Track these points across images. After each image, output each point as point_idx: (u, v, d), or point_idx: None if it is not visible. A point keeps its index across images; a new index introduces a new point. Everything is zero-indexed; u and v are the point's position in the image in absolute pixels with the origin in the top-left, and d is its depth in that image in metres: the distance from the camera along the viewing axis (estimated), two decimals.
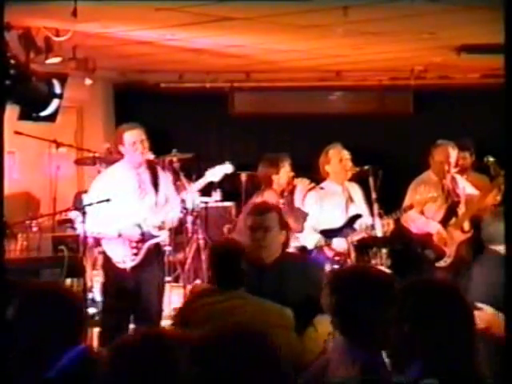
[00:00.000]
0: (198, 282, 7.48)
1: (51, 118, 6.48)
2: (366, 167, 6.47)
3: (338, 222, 6.41)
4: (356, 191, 6.61)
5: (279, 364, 2.11)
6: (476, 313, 2.71)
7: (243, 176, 7.92)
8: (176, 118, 9.75)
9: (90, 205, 5.75)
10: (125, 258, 5.78)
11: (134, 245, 5.80)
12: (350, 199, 6.54)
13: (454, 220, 6.69)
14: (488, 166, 6.86)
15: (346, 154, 6.52)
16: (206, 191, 6.98)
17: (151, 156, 5.90)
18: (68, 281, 6.30)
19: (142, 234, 5.81)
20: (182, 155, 7.45)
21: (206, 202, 7.93)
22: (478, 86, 9.01)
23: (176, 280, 7.66)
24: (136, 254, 5.79)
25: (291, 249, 6.54)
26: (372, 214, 6.37)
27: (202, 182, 6.21)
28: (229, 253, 4.05)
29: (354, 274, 3.18)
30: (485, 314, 3.88)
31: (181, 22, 6.01)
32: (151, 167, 5.97)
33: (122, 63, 8.37)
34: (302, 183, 6.35)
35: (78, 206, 6.16)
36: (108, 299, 5.96)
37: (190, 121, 9.82)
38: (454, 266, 6.52)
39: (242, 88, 9.68)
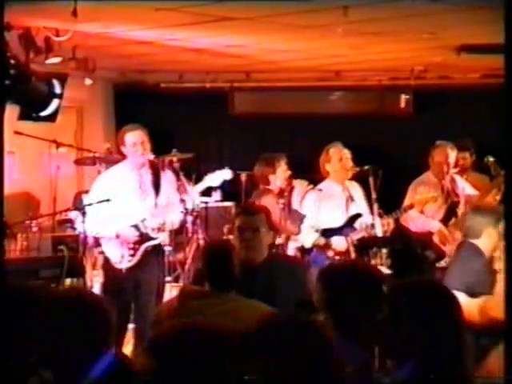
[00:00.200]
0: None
1: (51, 118, 6.48)
2: (366, 167, 6.47)
3: (338, 221, 6.41)
4: (356, 190, 6.61)
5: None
6: None
7: (243, 176, 7.92)
8: (176, 118, 9.75)
9: (89, 205, 5.76)
10: (122, 259, 5.79)
11: (132, 246, 5.80)
12: (351, 198, 6.54)
13: (453, 220, 6.69)
14: (488, 165, 6.87)
15: (347, 153, 6.53)
16: (206, 191, 6.97)
17: (151, 157, 5.90)
18: (68, 281, 6.30)
19: (140, 235, 5.81)
20: (182, 155, 7.44)
21: (206, 202, 7.92)
22: (478, 86, 9.01)
23: (176, 280, 7.65)
24: (133, 255, 5.80)
25: (291, 249, 6.56)
26: (372, 214, 6.38)
27: (200, 187, 6.22)
28: (224, 254, 4.00)
29: (346, 269, 3.20)
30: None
31: (181, 22, 6.01)
32: (154, 168, 5.98)
33: (122, 63, 8.37)
34: (300, 185, 6.36)
35: (78, 206, 6.17)
36: (108, 299, 5.96)
37: (190, 121, 9.81)
38: None
39: (242, 88, 9.67)
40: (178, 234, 7.36)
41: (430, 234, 6.75)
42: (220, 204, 8.32)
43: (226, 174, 6.17)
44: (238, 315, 3.67)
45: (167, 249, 6.08)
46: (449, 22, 6.07)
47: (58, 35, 5.88)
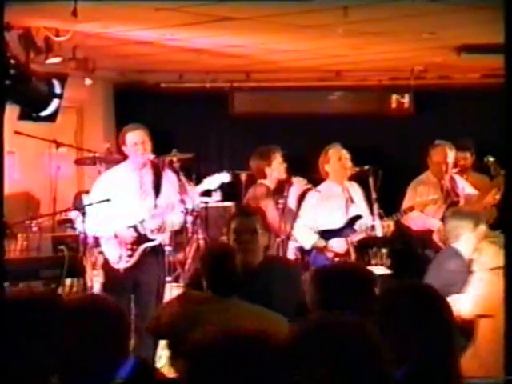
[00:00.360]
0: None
1: (51, 117, 6.47)
2: (366, 167, 6.48)
3: (338, 222, 6.41)
4: (356, 190, 6.61)
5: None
6: None
7: (243, 176, 7.92)
8: (176, 118, 9.74)
9: (89, 205, 5.76)
10: (120, 259, 5.79)
11: (130, 246, 5.80)
12: (351, 199, 6.54)
13: None
14: (488, 165, 6.88)
15: (345, 153, 6.54)
16: (206, 191, 6.97)
17: (151, 156, 5.90)
18: (68, 281, 6.31)
19: (138, 236, 5.81)
20: (182, 155, 7.45)
21: (206, 202, 7.92)
22: (478, 86, 9.01)
23: (176, 280, 7.65)
24: (131, 256, 5.80)
25: (290, 250, 6.56)
26: (372, 214, 6.38)
27: (199, 189, 6.23)
28: (225, 258, 3.92)
29: (338, 271, 3.20)
30: None
31: (181, 22, 6.01)
32: (155, 169, 5.99)
33: (122, 63, 8.37)
34: (298, 182, 6.36)
35: (78, 206, 6.17)
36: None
37: (190, 121, 9.81)
38: None
39: (242, 88, 9.67)
40: (178, 234, 7.36)
41: (431, 232, 6.76)
42: (220, 204, 8.32)
43: (224, 177, 6.18)
44: (242, 321, 3.62)
45: (167, 249, 6.08)
46: (449, 22, 6.07)
47: (58, 35, 5.88)
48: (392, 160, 8.83)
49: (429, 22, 6.05)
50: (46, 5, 5.23)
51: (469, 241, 5.10)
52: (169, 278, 6.48)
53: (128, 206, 5.82)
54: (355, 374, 1.97)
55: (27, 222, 6.63)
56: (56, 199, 7.73)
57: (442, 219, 6.71)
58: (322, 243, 6.34)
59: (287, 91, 9.73)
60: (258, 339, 2.04)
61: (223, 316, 3.66)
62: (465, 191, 6.90)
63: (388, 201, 6.58)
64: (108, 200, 5.68)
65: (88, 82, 7.75)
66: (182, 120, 9.79)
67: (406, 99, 9.49)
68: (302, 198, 6.46)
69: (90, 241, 6.17)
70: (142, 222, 5.80)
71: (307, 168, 6.69)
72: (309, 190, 6.40)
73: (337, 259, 6.25)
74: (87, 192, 6.42)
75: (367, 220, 6.41)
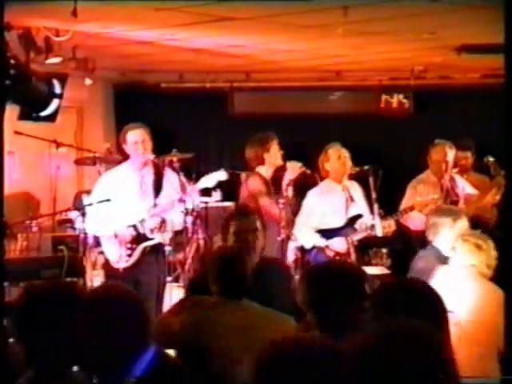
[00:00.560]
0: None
1: (51, 117, 6.48)
2: (366, 167, 6.48)
3: (338, 222, 6.42)
4: (356, 190, 6.62)
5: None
6: None
7: (243, 176, 7.91)
8: (176, 118, 9.74)
9: (90, 205, 5.76)
10: (119, 259, 5.80)
11: (129, 245, 5.81)
12: (351, 199, 6.55)
13: None
14: (488, 165, 6.87)
15: (345, 153, 6.55)
16: (206, 191, 6.97)
17: (151, 156, 5.91)
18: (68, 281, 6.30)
19: (137, 235, 5.81)
20: (182, 155, 7.43)
21: (206, 202, 7.91)
22: (478, 86, 9.01)
23: (176, 280, 7.65)
24: (130, 255, 5.80)
25: (290, 249, 6.56)
26: (372, 214, 6.38)
27: (196, 188, 6.24)
28: (237, 261, 3.84)
29: (328, 270, 3.20)
30: None
31: (181, 22, 6.01)
32: (156, 168, 5.99)
33: (122, 63, 8.37)
34: (292, 167, 6.40)
35: (78, 206, 6.17)
36: None
37: (190, 121, 9.80)
38: None
39: (242, 88, 9.67)
40: (178, 234, 7.36)
41: None
42: (220, 204, 8.31)
43: (221, 176, 6.18)
44: (253, 324, 3.61)
45: (167, 249, 6.08)
46: (449, 22, 6.07)
47: (58, 35, 5.88)
48: (392, 160, 8.83)
49: (429, 21, 6.05)
50: (46, 5, 5.23)
51: (446, 237, 5.12)
52: (169, 278, 6.48)
53: (128, 206, 5.82)
54: (424, 377, 1.92)
55: (27, 221, 6.64)
56: (56, 199, 7.73)
57: None
58: (322, 243, 6.34)
59: (287, 91, 9.73)
60: (324, 348, 1.99)
61: (234, 319, 3.63)
62: (465, 191, 6.89)
63: (388, 201, 6.58)
64: (108, 200, 5.68)
65: (88, 82, 7.75)
66: (182, 120, 9.79)
67: (406, 99, 9.49)
68: (297, 182, 6.49)
69: (90, 241, 6.17)
70: (141, 221, 5.80)
71: (307, 168, 6.69)
72: (303, 172, 6.43)
73: (337, 258, 6.24)
74: (87, 192, 6.42)
75: (367, 219, 6.41)
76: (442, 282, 4.38)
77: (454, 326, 3.28)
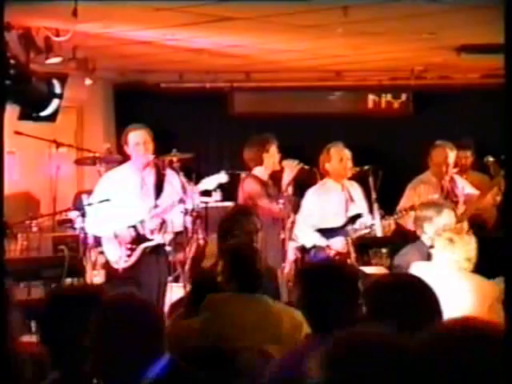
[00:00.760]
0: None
1: (51, 117, 6.48)
2: (366, 167, 6.48)
3: (338, 221, 6.42)
4: (356, 190, 6.62)
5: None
6: None
7: (243, 176, 7.91)
8: (176, 118, 9.74)
9: (90, 205, 5.76)
10: (119, 259, 5.80)
11: (129, 246, 5.81)
12: (351, 198, 6.55)
13: None
14: (488, 165, 6.87)
15: (347, 154, 6.54)
16: (206, 191, 6.97)
17: (151, 157, 5.91)
18: (68, 281, 6.30)
19: (137, 236, 5.81)
20: (182, 155, 7.43)
21: (206, 202, 7.91)
22: (478, 86, 9.01)
23: (176, 280, 7.65)
24: (129, 256, 5.80)
25: (290, 248, 6.57)
26: (372, 214, 6.38)
27: (196, 190, 6.24)
28: (254, 257, 3.92)
29: (323, 269, 3.21)
30: None
31: (181, 22, 6.01)
32: (157, 169, 6.00)
33: (122, 63, 8.37)
34: (289, 166, 6.42)
35: (78, 206, 6.17)
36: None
37: (190, 121, 9.81)
38: None
39: (242, 88, 9.67)
40: (178, 235, 7.36)
41: None
42: (220, 204, 8.31)
43: (221, 178, 6.19)
44: (273, 318, 3.67)
45: (167, 249, 6.08)
46: (449, 22, 6.07)
47: (58, 35, 5.88)
48: (392, 160, 8.83)
49: (429, 21, 6.05)
50: (46, 5, 5.23)
51: (429, 232, 5.14)
52: (169, 278, 6.48)
53: (128, 206, 5.83)
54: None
55: (27, 221, 6.63)
56: (56, 199, 7.73)
57: None
58: (323, 242, 6.34)
59: (287, 91, 9.73)
60: (390, 344, 1.96)
61: (256, 313, 3.68)
62: (464, 191, 6.89)
63: (388, 201, 6.58)
64: (108, 200, 5.69)
65: (88, 82, 7.74)
66: (182, 120, 9.79)
67: (406, 99, 9.49)
68: (296, 180, 6.50)
69: (90, 241, 6.17)
70: (141, 222, 5.80)
71: (304, 164, 6.69)
72: (301, 169, 6.43)
73: (337, 258, 6.25)
74: (87, 192, 6.42)
75: (367, 219, 6.41)
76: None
77: None
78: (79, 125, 9.34)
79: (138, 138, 5.84)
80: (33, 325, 4.49)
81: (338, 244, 6.33)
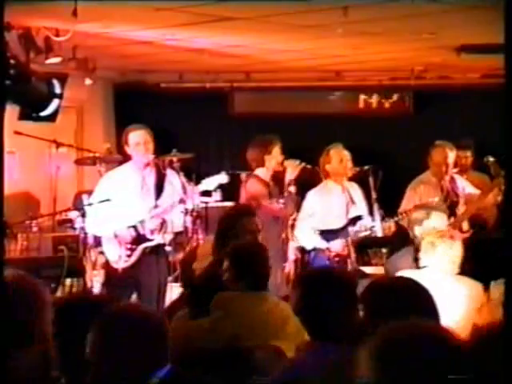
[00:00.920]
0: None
1: (51, 117, 6.48)
2: (366, 167, 6.48)
3: (338, 223, 6.41)
4: (356, 191, 6.61)
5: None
6: None
7: (243, 176, 7.92)
8: (176, 118, 9.74)
9: (90, 205, 5.76)
10: (119, 259, 5.80)
11: (129, 246, 5.81)
12: (351, 200, 6.55)
13: (452, 220, 6.69)
14: (488, 165, 6.87)
15: (347, 155, 6.54)
16: (206, 191, 6.97)
17: (151, 157, 5.91)
18: (68, 281, 6.31)
19: (137, 236, 5.81)
20: (182, 155, 7.44)
21: (206, 202, 7.92)
22: (478, 86, 9.01)
23: (176, 280, 7.65)
24: (129, 256, 5.80)
25: (291, 249, 6.57)
26: (372, 214, 6.38)
27: (197, 190, 6.25)
28: (262, 254, 3.97)
29: (321, 275, 3.20)
30: None
31: (181, 22, 6.01)
32: (158, 170, 6.00)
33: (122, 63, 8.37)
34: (291, 166, 6.42)
35: (78, 206, 6.17)
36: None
37: (190, 121, 9.81)
38: None
39: (242, 88, 9.68)
40: (178, 234, 7.36)
41: None
42: (220, 204, 8.32)
43: (222, 179, 6.19)
44: (282, 314, 3.70)
45: (167, 249, 6.08)
46: (449, 22, 6.07)
47: (58, 35, 5.88)
48: (392, 160, 8.83)
49: (429, 21, 6.05)
50: (46, 5, 5.23)
51: (417, 234, 5.15)
52: (169, 278, 6.48)
53: (129, 206, 5.82)
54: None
55: (27, 221, 6.64)
56: (56, 199, 7.73)
57: None
58: (323, 245, 6.34)
59: (287, 91, 9.74)
60: (442, 337, 1.95)
61: (263, 311, 3.72)
62: (465, 191, 6.88)
63: (388, 201, 6.58)
64: (108, 200, 5.69)
65: (88, 82, 7.75)
66: (182, 120, 9.80)
67: (406, 99, 9.49)
68: (298, 179, 6.51)
69: (90, 241, 6.18)
70: (142, 222, 5.80)
71: (306, 163, 6.69)
72: (303, 168, 6.44)
73: (337, 259, 6.25)
74: (87, 192, 6.42)
75: (367, 220, 6.41)
76: None
77: None
78: (79, 125, 9.34)
79: (138, 138, 5.84)
80: None
81: (337, 246, 6.32)
